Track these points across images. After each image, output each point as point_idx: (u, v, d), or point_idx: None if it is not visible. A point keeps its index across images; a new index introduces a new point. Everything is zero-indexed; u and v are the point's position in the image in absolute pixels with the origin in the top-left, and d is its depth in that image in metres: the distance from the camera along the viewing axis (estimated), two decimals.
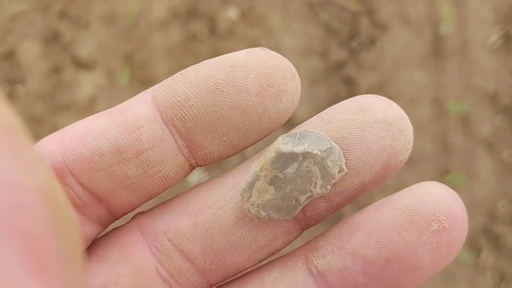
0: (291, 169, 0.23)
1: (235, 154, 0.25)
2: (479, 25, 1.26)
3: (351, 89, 1.21)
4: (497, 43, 1.25)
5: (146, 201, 0.26)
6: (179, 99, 0.23)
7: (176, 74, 0.24)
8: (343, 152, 0.24)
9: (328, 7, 1.27)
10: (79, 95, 1.19)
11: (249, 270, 0.27)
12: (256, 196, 0.24)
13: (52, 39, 1.23)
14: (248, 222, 0.25)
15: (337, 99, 1.21)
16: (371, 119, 0.24)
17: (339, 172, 0.24)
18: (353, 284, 0.24)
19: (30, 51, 1.21)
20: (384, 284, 0.24)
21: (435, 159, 1.18)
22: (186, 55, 1.21)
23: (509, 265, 1.12)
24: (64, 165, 0.23)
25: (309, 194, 0.24)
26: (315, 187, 0.24)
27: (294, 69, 0.24)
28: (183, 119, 0.23)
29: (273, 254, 0.27)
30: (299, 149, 0.23)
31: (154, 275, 0.25)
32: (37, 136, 1.16)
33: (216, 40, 1.24)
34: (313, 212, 0.26)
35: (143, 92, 0.25)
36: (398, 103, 0.24)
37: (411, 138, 0.25)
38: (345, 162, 0.24)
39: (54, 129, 1.16)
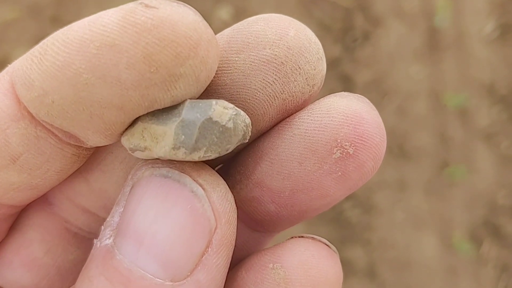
0: None
1: None
2: (474, 16, 1.26)
3: (347, 85, 1.21)
4: (493, 34, 1.25)
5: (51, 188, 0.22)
6: (36, 95, 0.17)
7: (34, 49, 0.18)
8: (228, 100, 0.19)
9: (320, 4, 1.26)
10: None
11: None
12: (139, 155, 0.19)
13: None
14: None
15: None
16: (256, 60, 0.19)
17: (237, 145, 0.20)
18: (266, 213, 0.22)
19: None
20: (296, 211, 0.21)
21: (434, 152, 1.18)
22: None
23: (510, 256, 1.12)
24: None
25: None
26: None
27: (198, 35, 0.17)
28: (49, 116, 0.18)
29: None
30: (192, 157, 0.18)
31: (64, 232, 0.23)
32: None
33: None
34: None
35: (1, 74, 0.19)
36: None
37: (317, 70, 0.20)
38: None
39: None
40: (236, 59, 0.19)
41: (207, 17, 1.26)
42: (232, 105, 0.18)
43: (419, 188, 1.16)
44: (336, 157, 0.19)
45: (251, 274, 0.20)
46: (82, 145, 0.19)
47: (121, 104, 0.17)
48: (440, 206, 1.15)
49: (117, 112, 0.17)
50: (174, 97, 0.18)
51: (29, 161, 0.19)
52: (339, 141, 0.19)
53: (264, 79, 0.19)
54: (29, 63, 0.17)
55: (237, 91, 0.19)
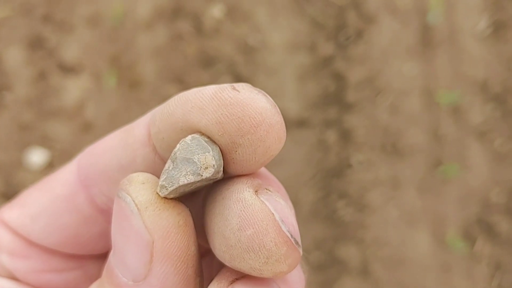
0: None
1: None
2: (467, 13, 1.26)
3: (340, 83, 1.21)
4: (486, 31, 1.25)
5: None
6: (155, 131, 0.23)
7: (169, 100, 0.23)
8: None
9: (313, 1, 1.26)
10: (67, 100, 1.18)
11: None
12: None
13: (36, 44, 1.21)
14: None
15: (326, 95, 1.20)
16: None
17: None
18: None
19: (15, 57, 1.20)
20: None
21: (427, 150, 1.18)
22: (173, 55, 1.20)
23: (504, 254, 1.13)
24: (90, 177, 0.25)
25: None
26: None
27: (261, 118, 0.21)
28: (161, 149, 0.23)
29: None
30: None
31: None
32: (28, 143, 1.15)
33: (203, 39, 1.23)
34: None
35: (150, 112, 0.25)
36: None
37: (263, 269, 0.22)
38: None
39: (44, 136, 1.15)
40: None
41: (199, 15, 1.26)
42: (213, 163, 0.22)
43: (412, 185, 1.16)
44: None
45: None
46: None
47: None
48: (434, 203, 1.15)
49: None
50: (234, 159, 0.22)
51: None
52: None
53: None
54: (159, 109, 0.23)
55: None
